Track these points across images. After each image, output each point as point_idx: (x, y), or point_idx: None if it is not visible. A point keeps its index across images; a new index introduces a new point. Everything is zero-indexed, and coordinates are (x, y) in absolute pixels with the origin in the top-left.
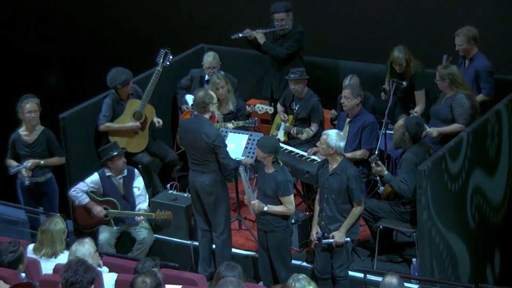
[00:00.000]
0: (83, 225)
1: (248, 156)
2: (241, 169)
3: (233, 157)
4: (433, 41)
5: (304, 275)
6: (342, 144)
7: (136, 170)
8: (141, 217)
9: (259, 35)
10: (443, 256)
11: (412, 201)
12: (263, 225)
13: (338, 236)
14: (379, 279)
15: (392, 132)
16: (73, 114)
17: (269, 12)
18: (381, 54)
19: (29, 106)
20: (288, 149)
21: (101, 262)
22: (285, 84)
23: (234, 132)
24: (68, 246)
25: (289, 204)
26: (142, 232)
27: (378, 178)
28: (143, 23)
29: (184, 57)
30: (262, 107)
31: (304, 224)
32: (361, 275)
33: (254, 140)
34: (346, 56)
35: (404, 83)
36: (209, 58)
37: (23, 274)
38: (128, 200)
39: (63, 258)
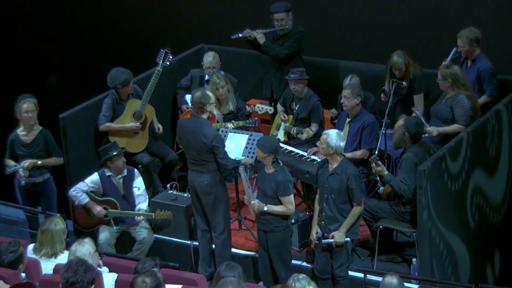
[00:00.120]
0: (83, 225)
1: (248, 156)
2: (241, 169)
3: (233, 157)
4: (433, 41)
5: (304, 275)
6: (342, 144)
7: (136, 170)
8: (141, 217)
9: (259, 35)
10: (443, 256)
11: (412, 201)
12: (263, 225)
13: (338, 236)
14: (379, 279)
15: (392, 132)
16: (73, 114)
17: (269, 12)
18: (381, 54)
19: (26, 106)
20: (288, 149)
21: (100, 262)
22: (285, 84)
23: (234, 132)
24: (68, 246)
25: (289, 204)
26: (142, 232)
27: (378, 178)
28: (143, 23)
29: (184, 57)
30: (262, 107)
31: (304, 224)
32: (361, 275)
33: (254, 140)
34: (346, 56)
35: (404, 83)
36: (209, 58)
37: (23, 274)
38: (128, 200)
39: (63, 258)
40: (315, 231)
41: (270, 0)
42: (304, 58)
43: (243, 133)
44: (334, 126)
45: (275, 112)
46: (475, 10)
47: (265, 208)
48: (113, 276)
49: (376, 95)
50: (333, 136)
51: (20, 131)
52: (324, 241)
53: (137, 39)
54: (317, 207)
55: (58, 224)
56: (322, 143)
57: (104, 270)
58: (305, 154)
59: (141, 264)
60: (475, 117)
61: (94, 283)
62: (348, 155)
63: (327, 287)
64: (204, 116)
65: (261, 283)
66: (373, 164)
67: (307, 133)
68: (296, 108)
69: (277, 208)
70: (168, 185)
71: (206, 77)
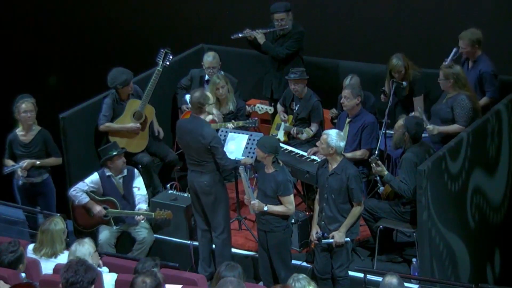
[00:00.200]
0: (83, 225)
1: (248, 156)
2: (241, 169)
3: (233, 157)
4: (433, 41)
5: (304, 275)
6: (342, 144)
7: (136, 170)
8: (141, 216)
9: (259, 35)
10: (443, 256)
11: (412, 201)
12: (263, 225)
13: (338, 236)
14: (379, 279)
15: (392, 132)
16: (73, 114)
17: (269, 12)
18: (381, 54)
19: (25, 106)
20: (288, 149)
21: (100, 262)
22: (285, 84)
23: (234, 132)
24: (68, 246)
25: (289, 204)
26: (142, 232)
27: (378, 178)
28: (143, 23)
29: (184, 57)
30: (262, 107)
31: (304, 224)
32: (361, 275)
33: (254, 140)
34: (346, 56)
35: (404, 83)
36: (209, 58)
37: (23, 274)
38: (128, 200)
39: (63, 258)
40: (315, 231)
41: (270, 0)
42: (304, 58)
43: (243, 133)
44: (334, 126)
45: (275, 112)
46: (475, 10)
47: (265, 208)
48: (113, 276)
49: (376, 95)
50: (333, 136)
51: (19, 131)
52: (324, 241)
53: (137, 39)
54: (317, 207)
55: (58, 224)
56: (322, 143)
57: (104, 270)
58: (305, 154)
59: (141, 264)
60: (475, 118)
61: (94, 283)
62: (348, 155)
63: (327, 287)
64: (203, 116)
65: (261, 283)
66: (373, 164)
67: (307, 133)
68: (296, 108)
69: (277, 208)
70: (168, 185)
71: (206, 77)
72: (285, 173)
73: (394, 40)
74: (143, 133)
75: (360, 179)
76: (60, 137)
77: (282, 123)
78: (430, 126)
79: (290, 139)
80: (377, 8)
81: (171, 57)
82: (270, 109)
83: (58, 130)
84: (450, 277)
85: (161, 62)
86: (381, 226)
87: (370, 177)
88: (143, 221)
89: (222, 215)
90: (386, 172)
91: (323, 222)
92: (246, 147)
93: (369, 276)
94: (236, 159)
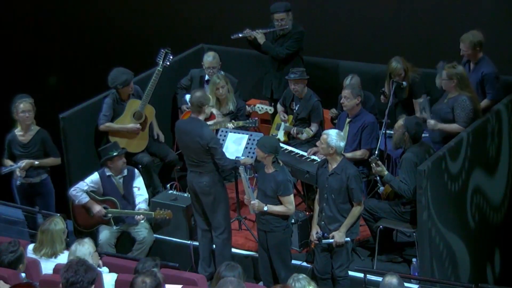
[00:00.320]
0: (83, 225)
1: (248, 156)
2: (241, 169)
3: (233, 157)
4: (433, 41)
5: (304, 275)
6: (342, 144)
7: (136, 170)
8: (141, 216)
9: (259, 35)
10: (443, 256)
11: (412, 201)
12: (263, 225)
13: (338, 236)
14: (379, 279)
15: (392, 132)
16: (73, 114)
17: (269, 12)
18: (381, 54)
19: (23, 106)
20: (288, 149)
21: (100, 262)
22: (285, 84)
23: (234, 132)
24: (68, 246)
25: (289, 204)
26: (142, 232)
27: (378, 178)
28: (143, 23)
29: (184, 57)
30: (262, 107)
31: (304, 224)
32: (361, 275)
33: (254, 140)
34: (346, 56)
35: (404, 83)
36: (209, 58)
37: (23, 274)
38: (128, 200)
39: (63, 258)
40: (315, 231)
41: (270, 0)
42: (304, 58)
43: (243, 133)
44: (334, 126)
45: (275, 112)
46: (475, 10)
47: (265, 208)
48: (113, 276)
49: (376, 95)
50: (333, 136)
51: (18, 131)
52: (324, 241)
53: (137, 39)
54: (317, 207)
55: (58, 224)
56: (322, 143)
57: (104, 270)
58: (305, 154)
59: (142, 264)
60: (475, 119)
61: (95, 283)
62: (348, 155)
63: (327, 287)
64: (201, 117)
65: (261, 283)
66: (373, 164)
67: (307, 133)
68: (296, 108)
69: (277, 208)
70: (168, 185)
71: (206, 77)
72: (285, 173)
73: (394, 40)
74: (143, 133)
75: (360, 179)
76: (60, 137)
77: (282, 123)
78: (432, 121)
79: (290, 139)
80: (377, 8)
81: (171, 57)
82: (270, 109)
83: (58, 130)
84: (450, 277)
85: (161, 62)
86: (381, 226)
87: (370, 177)
88: (143, 221)
89: (222, 215)
90: (386, 172)
91: (323, 222)
92: (246, 147)
93: (369, 276)
94: (236, 159)
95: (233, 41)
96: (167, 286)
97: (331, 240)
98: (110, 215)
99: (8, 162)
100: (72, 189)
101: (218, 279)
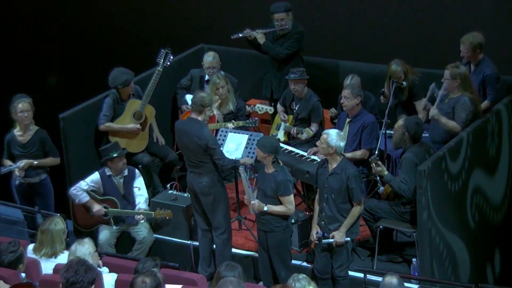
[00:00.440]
0: (82, 225)
1: (248, 156)
2: (241, 169)
3: (233, 157)
4: (433, 41)
5: (304, 275)
6: (342, 144)
7: (137, 171)
8: (141, 216)
9: (259, 35)
10: (443, 256)
11: (412, 201)
12: (263, 225)
13: (338, 236)
14: (379, 279)
15: (392, 132)
16: (73, 114)
17: (269, 12)
18: (381, 54)
19: (22, 106)
20: (288, 149)
21: (100, 262)
22: (285, 84)
23: (234, 132)
24: (68, 246)
25: (289, 204)
26: (142, 232)
27: (378, 178)
28: (143, 23)
29: (184, 57)
30: (262, 107)
31: (304, 224)
32: (361, 275)
33: (254, 140)
34: (346, 56)
35: (404, 83)
36: (209, 58)
37: (23, 274)
38: (128, 200)
39: (63, 258)
40: (315, 231)
41: (270, 0)
42: (304, 58)
43: (243, 133)
44: (334, 126)
45: (275, 112)
46: (475, 10)
47: (265, 208)
48: (113, 276)
49: (376, 95)
50: (333, 136)
51: (17, 131)
52: (324, 241)
53: (137, 39)
54: (317, 207)
55: (58, 224)
56: (322, 142)
57: (104, 270)
58: (305, 154)
59: (142, 264)
60: (473, 121)
61: (95, 283)
62: (348, 155)
63: (327, 287)
64: (200, 118)
65: (261, 283)
66: (373, 164)
67: (307, 133)
68: (296, 108)
69: (277, 208)
70: (168, 185)
71: (206, 77)
72: (285, 173)
73: (394, 40)
74: (143, 133)
75: (360, 179)
76: (60, 137)
77: (282, 123)
78: (436, 110)
79: (290, 139)
80: (377, 8)
81: (171, 57)
82: (270, 109)
83: (58, 130)
84: (450, 277)
85: (161, 62)
86: (381, 226)
87: (370, 177)
88: (143, 221)
89: (222, 216)
90: (386, 172)
91: (323, 222)
92: (246, 147)
93: (369, 276)
94: (235, 158)
95: (233, 41)
96: (167, 286)
97: (331, 240)
98: (110, 214)
99: (7, 162)
100: (73, 188)
101: (218, 279)
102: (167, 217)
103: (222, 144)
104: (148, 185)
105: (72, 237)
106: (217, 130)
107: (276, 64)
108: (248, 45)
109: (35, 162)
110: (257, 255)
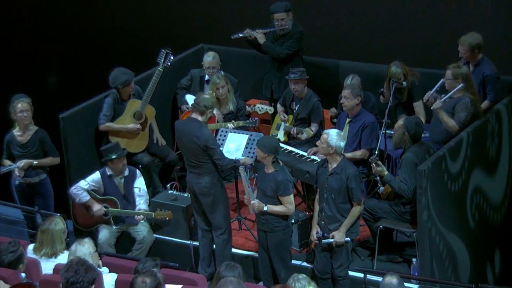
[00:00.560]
0: (82, 224)
1: (248, 156)
2: (241, 169)
3: (233, 157)
4: (433, 41)
5: (304, 275)
6: (342, 144)
7: (137, 171)
8: (141, 216)
9: (259, 35)
10: (443, 256)
11: (412, 201)
12: (263, 225)
13: (338, 236)
14: (379, 279)
15: (392, 132)
16: (73, 114)
17: (269, 12)
18: (381, 54)
19: (21, 106)
20: (288, 149)
21: (100, 262)
22: (285, 84)
23: (234, 132)
24: (68, 246)
25: (289, 204)
26: (142, 232)
27: (378, 178)
28: (143, 23)
29: (184, 57)
30: (262, 107)
31: (304, 224)
32: (361, 275)
33: (254, 140)
34: (346, 56)
35: (404, 83)
36: (209, 58)
37: (23, 274)
38: (128, 200)
39: (63, 258)
40: (315, 231)
41: (270, 0)
42: (304, 58)
43: (243, 133)
44: (334, 125)
45: (275, 112)
46: (474, 10)
47: (265, 208)
48: (113, 276)
49: (376, 95)
50: (333, 136)
51: (16, 132)
52: (324, 241)
53: (137, 39)
54: (317, 207)
55: (58, 224)
56: (322, 142)
57: (104, 270)
58: (305, 154)
59: (142, 264)
60: (471, 122)
61: (95, 283)
62: (348, 155)
63: (327, 287)
64: (200, 118)
65: (261, 283)
66: (373, 164)
67: (307, 133)
68: (296, 108)
69: (277, 208)
70: (168, 185)
71: (206, 77)
72: (285, 173)
73: (394, 40)
74: (143, 133)
75: (360, 179)
76: (60, 137)
77: (282, 123)
78: (440, 103)
79: (290, 139)
80: (377, 8)
81: (171, 57)
82: (270, 109)
83: (58, 130)
84: (450, 277)
85: (162, 63)
86: (381, 226)
87: (370, 177)
88: (143, 221)
89: (222, 216)
90: (386, 172)
91: (323, 222)
92: (246, 147)
93: (369, 276)
94: (235, 158)
95: (233, 41)
96: (167, 286)
97: (331, 240)
98: (110, 214)
99: (7, 162)
100: (73, 187)
101: (218, 279)
102: (167, 218)
103: (222, 144)
104: (148, 185)
105: (72, 237)
106: (217, 130)
107: (276, 64)
108: (248, 45)
109: (35, 162)
110: (257, 255)
